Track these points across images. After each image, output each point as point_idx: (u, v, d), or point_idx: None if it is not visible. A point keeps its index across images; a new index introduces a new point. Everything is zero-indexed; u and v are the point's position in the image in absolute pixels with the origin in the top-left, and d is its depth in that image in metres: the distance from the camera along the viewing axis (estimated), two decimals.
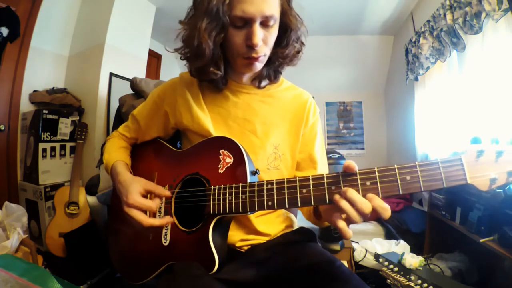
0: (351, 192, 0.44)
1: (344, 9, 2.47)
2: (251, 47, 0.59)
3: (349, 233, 0.46)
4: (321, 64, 3.16)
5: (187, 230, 0.60)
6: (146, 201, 0.58)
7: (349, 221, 0.46)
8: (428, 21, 1.97)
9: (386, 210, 0.43)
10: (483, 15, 1.39)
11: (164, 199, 0.65)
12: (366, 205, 0.43)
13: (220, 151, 0.60)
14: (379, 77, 3.25)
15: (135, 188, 0.59)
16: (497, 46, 1.40)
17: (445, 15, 1.71)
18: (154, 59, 2.98)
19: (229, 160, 0.58)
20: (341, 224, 0.46)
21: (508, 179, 0.40)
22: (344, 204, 0.45)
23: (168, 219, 0.59)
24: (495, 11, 1.30)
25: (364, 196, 0.44)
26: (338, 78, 3.34)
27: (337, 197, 0.46)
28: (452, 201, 1.49)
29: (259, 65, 0.64)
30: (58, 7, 2.02)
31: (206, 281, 0.52)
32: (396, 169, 0.44)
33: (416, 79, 2.28)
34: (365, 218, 0.44)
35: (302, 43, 0.69)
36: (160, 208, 0.65)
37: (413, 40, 2.28)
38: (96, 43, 2.00)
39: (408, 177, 0.43)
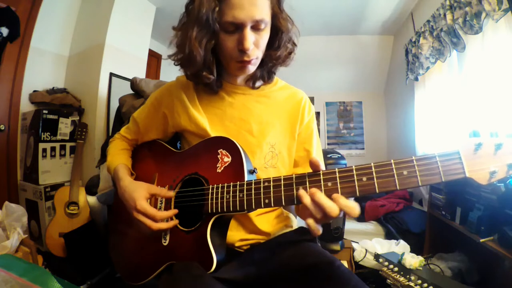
0: (318, 196, 0.45)
1: (344, 9, 2.47)
2: (243, 51, 0.60)
3: (317, 231, 0.47)
4: (321, 64, 3.16)
5: (186, 229, 0.60)
6: (151, 210, 0.60)
7: (317, 221, 0.47)
8: (428, 21, 1.97)
9: (352, 208, 0.44)
10: (483, 15, 1.39)
11: (164, 199, 0.66)
12: (333, 209, 0.44)
13: (219, 151, 0.60)
14: (379, 77, 3.25)
15: (141, 194, 0.62)
16: (497, 46, 1.39)
17: (445, 15, 1.71)
18: (154, 59, 2.98)
19: (227, 159, 0.59)
20: (310, 221, 0.47)
21: (508, 172, 0.39)
22: (312, 207, 0.46)
23: (174, 222, 0.61)
24: (495, 11, 1.30)
25: (329, 196, 0.46)
26: (338, 78, 3.34)
27: (307, 200, 0.47)
28: (452, 201, 1.49)
29: (252, 68, 0.65)
30: (58, 7, 2.02)
31: (206, 281, 0.52)
32: (393, 164, 0.43)
33: (416, 79, 2.28)
34: (333, 218, 0.46)
35: (294, 44, 0.70)
36: (160, 208, 0.66)
37: (413, 40, 2.28)
38: (96, 43, 2.00)
39: (405, 172, 0.43)
